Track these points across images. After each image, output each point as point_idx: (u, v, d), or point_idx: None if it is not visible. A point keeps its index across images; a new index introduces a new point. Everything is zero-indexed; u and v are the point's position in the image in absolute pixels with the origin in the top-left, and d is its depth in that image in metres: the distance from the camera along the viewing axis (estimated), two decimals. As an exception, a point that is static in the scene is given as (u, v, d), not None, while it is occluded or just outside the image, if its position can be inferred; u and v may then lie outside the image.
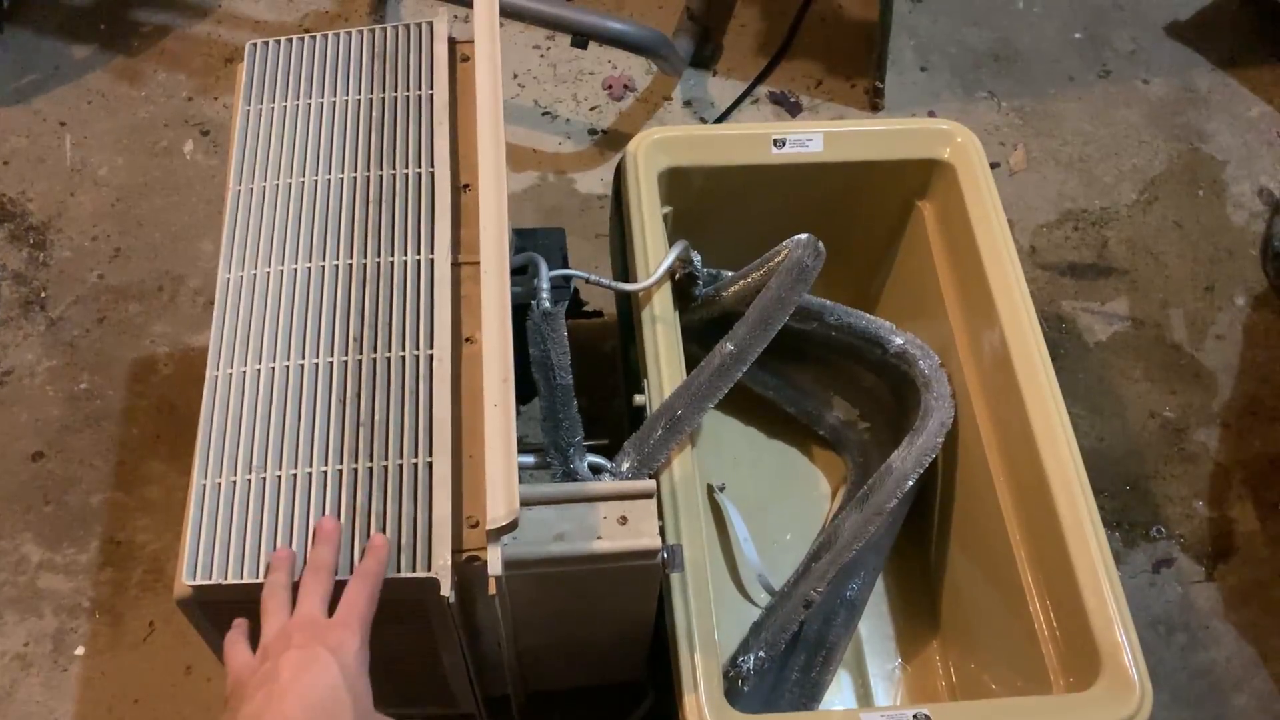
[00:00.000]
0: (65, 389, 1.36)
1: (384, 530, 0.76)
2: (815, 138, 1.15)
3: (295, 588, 0.74)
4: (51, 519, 1.28)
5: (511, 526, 0.73)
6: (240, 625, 0.75)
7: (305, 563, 0.75)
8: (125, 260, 1.47)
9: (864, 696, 1.15)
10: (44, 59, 1.64)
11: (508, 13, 1.47)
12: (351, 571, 0.75)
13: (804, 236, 1.07)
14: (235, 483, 0.79)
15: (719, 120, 1.62)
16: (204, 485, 0.79)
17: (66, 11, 1.70)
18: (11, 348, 1.39)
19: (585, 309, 1.20)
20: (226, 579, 0.76)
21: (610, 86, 1.66)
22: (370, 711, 0.69)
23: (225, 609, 0.78)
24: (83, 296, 1.44)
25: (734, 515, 1.21)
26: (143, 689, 1.18)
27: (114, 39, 1.67)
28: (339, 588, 0.74)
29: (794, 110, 1.64)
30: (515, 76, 1.66)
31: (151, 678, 1.18)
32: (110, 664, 1.19)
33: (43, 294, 1.44)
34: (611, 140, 1.61)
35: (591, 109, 1.64)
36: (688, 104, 1.64)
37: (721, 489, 1.24)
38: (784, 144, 1.15)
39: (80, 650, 1.20)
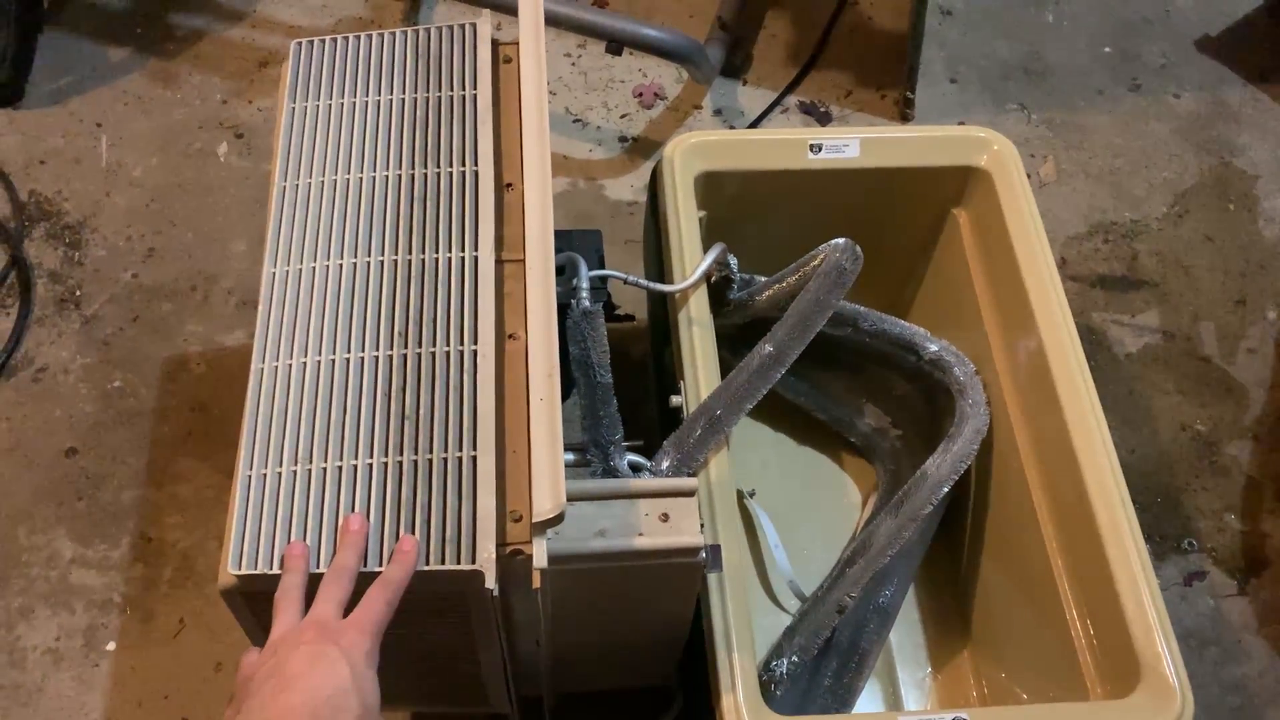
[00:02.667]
0: (99, 386, 1.37)
1: (428, 523, 0.76)
2: (851, 143, 1.15)
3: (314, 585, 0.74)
4: (84, 515, 1.28)
5: (558, 520, 0.73)
6: None
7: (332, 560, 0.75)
8: (159, 260, 1.48)
9: (894, 704, 1.15)
10: (81, 61, 1.66)
11: (545, 19, 1.48)
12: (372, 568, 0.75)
13: (842, 240, 1.07)
14: (280, 474, 0.79)
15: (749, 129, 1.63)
16: (249, 476, 0.79)
17: (103, 15, 1.71)
18: (46, 345, 1.40)
19: (617, 312, 1.20)
20: (271, 569, 0.76)
21: (641, 94, 1.66)
22: (376, 715, 0.68)
23: (267, 600, 0.78)
24: (116, 295, 1.44)
25: (764, 521, 1.21)
26: (173, 685, 1.18)
27: (150, 42, 1.69)
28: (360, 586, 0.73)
29: (823, 120, 1.65)
30: (547, 83, 1.67)
31: (181, 674, 1.19)
32: (141, 660, 1.19)
33: (77, 292, 1.45)
34: (641, 148, 1.61)
35: (622, 116, 1.64)
36: (718, 112, 1.65)
37: (751, 495, 1.24)
38: (820, 149, 1.15)
39: (111, 646, 1.20)
